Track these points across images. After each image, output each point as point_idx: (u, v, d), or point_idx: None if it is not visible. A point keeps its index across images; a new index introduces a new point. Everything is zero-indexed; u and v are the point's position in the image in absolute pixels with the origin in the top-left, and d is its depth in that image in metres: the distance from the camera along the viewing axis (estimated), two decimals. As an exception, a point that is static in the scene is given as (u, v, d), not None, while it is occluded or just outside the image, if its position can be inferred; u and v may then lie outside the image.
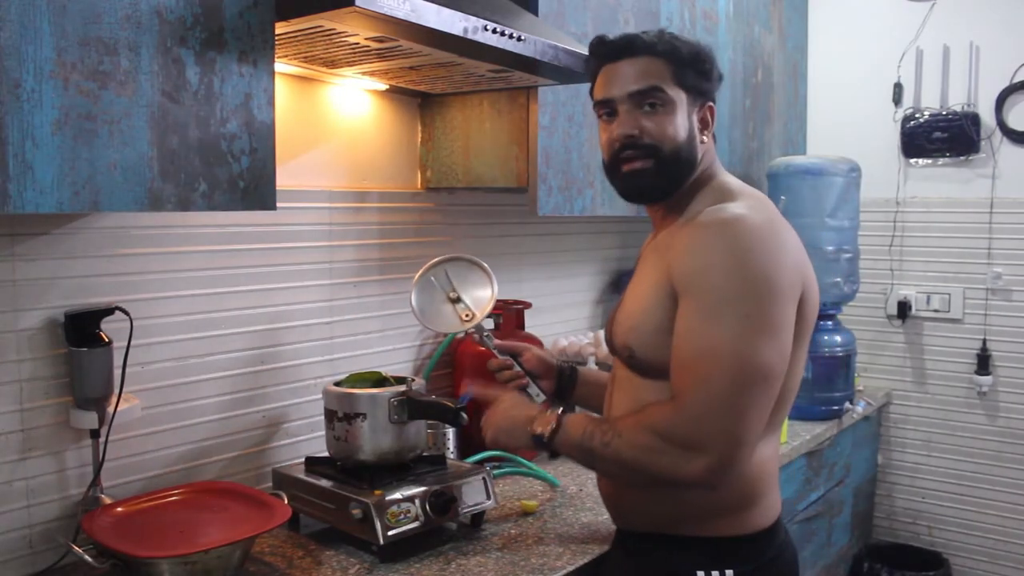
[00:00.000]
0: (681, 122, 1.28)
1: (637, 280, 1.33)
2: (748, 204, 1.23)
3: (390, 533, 1.43)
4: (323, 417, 1.61)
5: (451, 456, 1.87)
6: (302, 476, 1.59)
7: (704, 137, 1.32)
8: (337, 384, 1.62)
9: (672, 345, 1.19)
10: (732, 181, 1.33)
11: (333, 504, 1.50)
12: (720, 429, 1.13)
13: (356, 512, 1.44)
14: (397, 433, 1.56)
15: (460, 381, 2.05)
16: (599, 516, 1.66)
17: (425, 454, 1.65)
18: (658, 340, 1.22)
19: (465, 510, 1.55)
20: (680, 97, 1.28)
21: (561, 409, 1.29)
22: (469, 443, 1.95)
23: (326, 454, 1.63)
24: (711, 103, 1.33)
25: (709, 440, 1.13)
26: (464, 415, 1.52)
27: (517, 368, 1.58)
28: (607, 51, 1.31)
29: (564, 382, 1.60)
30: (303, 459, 1.68)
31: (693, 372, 1.15)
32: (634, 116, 1.27)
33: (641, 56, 1.28)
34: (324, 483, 1.55)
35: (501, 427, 1.36)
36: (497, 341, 1.57)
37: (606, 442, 1.21)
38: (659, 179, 1.29)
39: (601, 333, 2.37)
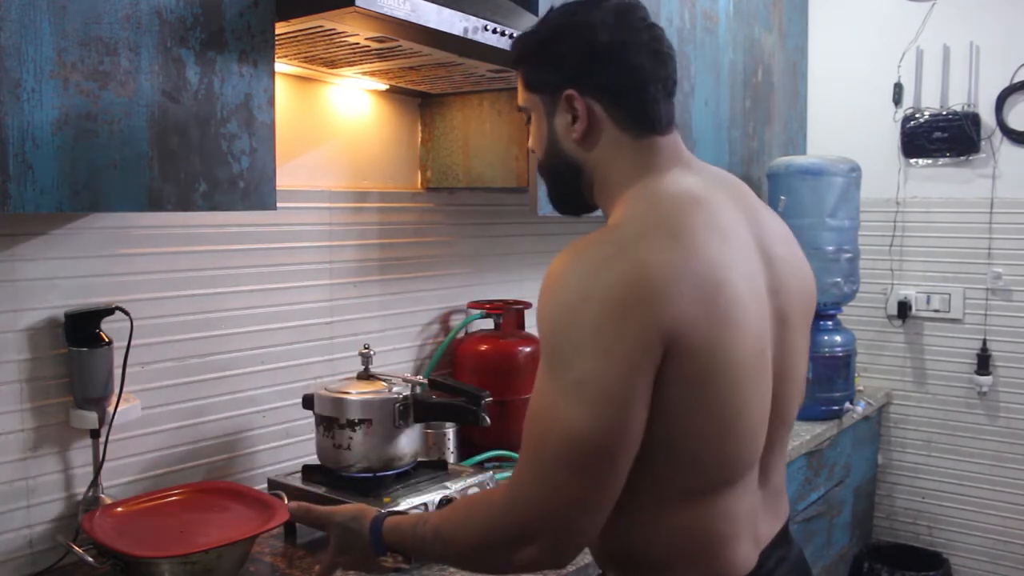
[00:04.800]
0: (539, 130, 1.15)
1: None
2: (635, 230, 1.00)
3: None
4: (317, 423, 1.58)
5: (451, 457, 1.87)
6: (300, 485, 1.56)
7: (574, 133, 1.09)
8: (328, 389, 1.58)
9: None
10: (646, 192, 1.07)
11: None
12: (550, 514, 0.98)
13: None
14: (400, 438, 1.54)
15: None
16: (599, 516, 1.66)
17: (423, 459, 1.64)
18: None
19: None
20: (534, 102, 1.14)
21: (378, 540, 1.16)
22: (469, 444, 1.95)
23: (320, 462, 1.60)
24: (570, 91, 1.08)
25: (539, 526, 0.99)
26: (486, 416, 1.48)
27: None
28: None
29: None
30: (298, 464, 1.65)
31: (529, 442, 1.00)
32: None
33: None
34: (325, 492, 1.52)
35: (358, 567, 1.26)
36: None
37: (441, 555, 1.11)
38: (549, 193, 1.22)
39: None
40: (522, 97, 1.16)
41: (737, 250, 1.03)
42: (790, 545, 1.19)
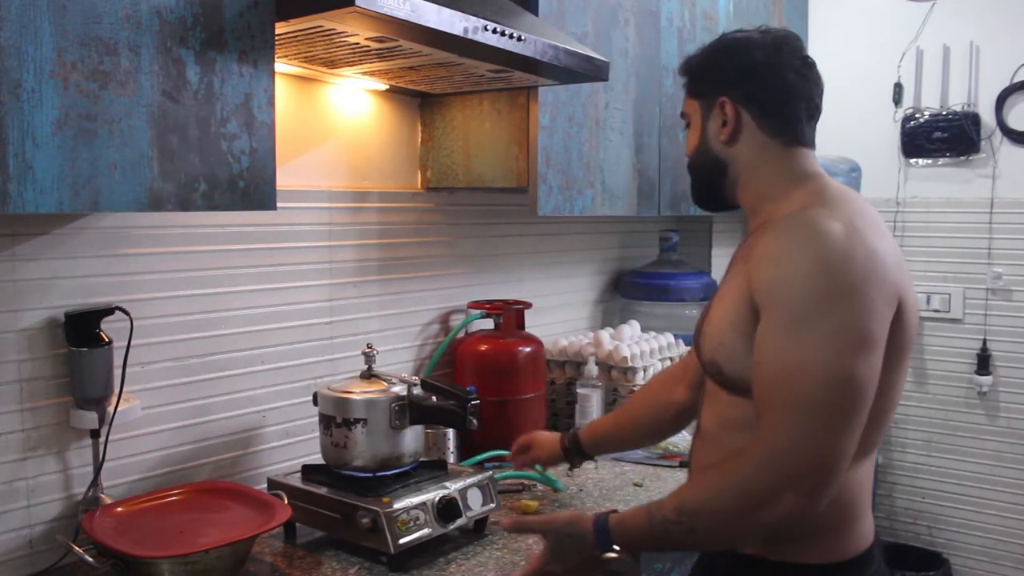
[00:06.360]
0: (692, 132, 1.33)
1: (723, 289, 1.26)
2: (838, 210, 1.15)
3: (401, 541, 1.41)
4: (318, 421, 1.59)
5: (451, 457, 1.87)
6: (300, 484, 1.56)
7: (722, 135, 1.27)
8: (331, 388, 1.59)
9: (753, 363, 1.12)
10: (829, 184, 1.25)
11: (338, 513, 1.47)
12: (811, 459, 1.05)
13: (365, 521, 1.42)
14: (398, 438, 1.54)
15: (461, 381, 2.05)
16: (599, 516, 1.66)
17: (424, 459, 1.64)
18: (745, 353, 1.15)
19: (470, 515, 1.53)
20: (693, 109, 1.32)
21: (604, 533, 1.18)
22: (470, 444, 1.95)
23: (321, 461, 1.60)
24: (724, 97, 1.26)
25: (799, 473, 1.05)
26: (473, 419, 1.50)
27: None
28: None
29: (570, 452, 1.65)
30: (298, 464, 1.65)
31: (780, 393, 1.07)
32: None
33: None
34: (325, 491, 1.51)
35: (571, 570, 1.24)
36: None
37: (689, 529, 1.11)
38: (693, 189, 1.38)
39: (602, 333, 2.37)
40: (685, 104, 1.35)
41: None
42: None
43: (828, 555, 1.18)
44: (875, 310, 1.08)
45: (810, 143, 1.28)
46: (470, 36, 1.36)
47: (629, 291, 2.74)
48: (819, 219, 1.13)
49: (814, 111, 1.27)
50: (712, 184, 1.32)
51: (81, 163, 1.05)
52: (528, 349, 2.08)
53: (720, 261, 2.97)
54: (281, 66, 1.59)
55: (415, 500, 1.47)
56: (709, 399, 1.29)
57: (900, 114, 2.98)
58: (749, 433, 1.17)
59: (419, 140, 2.06)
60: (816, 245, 1.10)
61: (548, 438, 1.70)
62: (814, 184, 1.24)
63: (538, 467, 1.80)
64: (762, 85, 1.25)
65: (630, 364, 2.24)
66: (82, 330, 1.40)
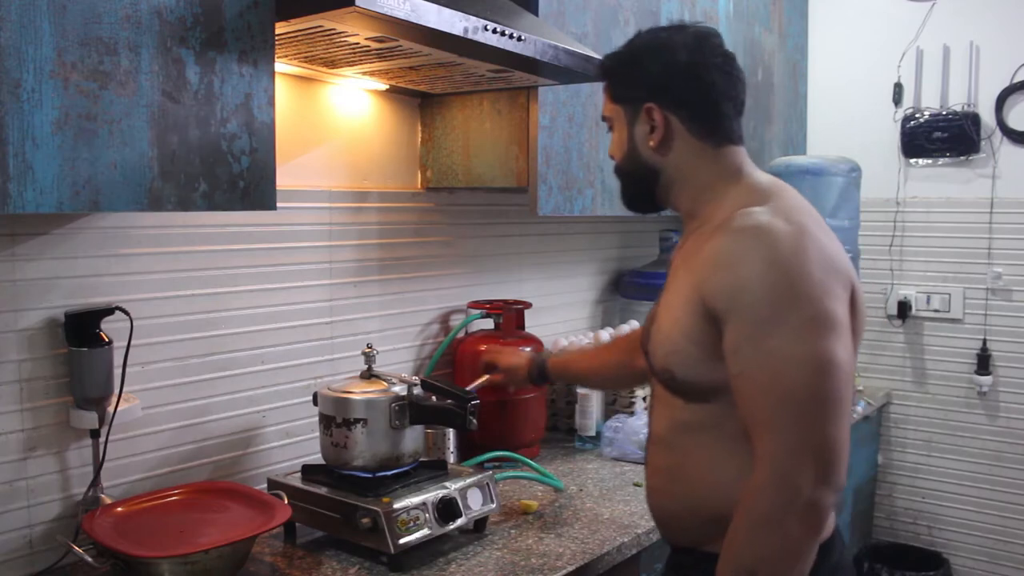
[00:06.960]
0: (618, 138, 1.29)
1: (670, 293, 1.23)
2: (778, 206, 1.14)
3: (401, 541, 1.41)
4: (318, 421, 1.59)
5: (451, 457, 1.87)
6: (300, 484, 1.56)
7: (651, 141, 1.23)
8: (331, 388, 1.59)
9: (731, 376, 1.10)
10: (762, 180, 1.24)
11: (338, 513, 1.47)
12: (818, 448, 1.04)
13: (365, 521, 1.42)
14: (398, 438, 1.54)
15: (461, 381, 2.05)
16: (599, 516, 1.66)
17: (424, 459, 1.64)
18: (700, 362, 1.14)
19: (470, 515, 1.54)
20: (617, 113, 1.28)
21: None
22: (470, 444, 1.95)
23: (322, 461, 1.60)
24: (649, 104, 1.22)
25: (815, 464, 1.03)
26: (473, 419, 1.50)
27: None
28: None
29: (534, 378, 1.74)
30: (299, 464, 1.65)
31: (769, 399, 1.06)
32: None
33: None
34: (325, 491, 1.52)
35: None
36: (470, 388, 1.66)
37: None
38: (623, 192, 1.35)
39: (602, 333, 2.37)
40: (606, 108, 1.30)
41: None
42: None
43: None
44: (836, 295, 1.09)
45: (739, 140, 1.26)
46: (470, 36, 1.36)
47: (629, 291, 2.73)
48: (763, 218, 1.11)
49: (740, 107, 1.25)
50: (643, 189, 1.30)
51: (81, 163, 1.05)
52: (528, 349, 2.07)
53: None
54: (281, 66, 1.59)
55: (415, 500, 1.47)
56: (659, 403, 1.27)
57: (900, 114, 2.98)
58: (701, 436, 1.19)
59: (419, 140, 2.06)
60: (766, 244, 1.08)
61: (515, 361, 1.75)
62: (748, 180, 1.24)
63: (539, 467, 1.80)
64: (689, 89, 1.22)
65: (630, 364, 2.24)
66: (82, 330, 1.40)
